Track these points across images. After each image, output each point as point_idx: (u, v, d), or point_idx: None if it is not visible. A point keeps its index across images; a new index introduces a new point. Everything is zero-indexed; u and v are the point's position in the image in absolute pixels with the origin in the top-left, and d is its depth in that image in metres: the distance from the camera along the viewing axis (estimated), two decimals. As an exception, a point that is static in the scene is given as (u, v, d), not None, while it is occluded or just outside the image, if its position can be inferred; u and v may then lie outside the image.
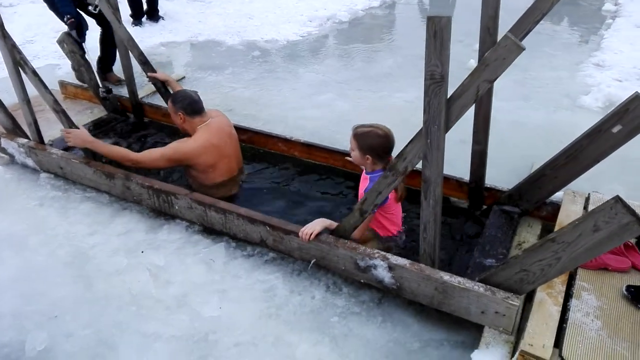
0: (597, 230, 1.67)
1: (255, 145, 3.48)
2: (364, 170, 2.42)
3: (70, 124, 3.03)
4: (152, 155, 2.83)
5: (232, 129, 3.09)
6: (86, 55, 3.84)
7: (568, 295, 2.08)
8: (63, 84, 4.34)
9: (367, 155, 2.29)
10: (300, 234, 2.30)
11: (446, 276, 2.06)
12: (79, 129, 3.02)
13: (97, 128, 3.78)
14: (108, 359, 2.02)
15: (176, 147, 2.83)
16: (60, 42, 3.73)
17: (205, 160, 2.85)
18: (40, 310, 2.25)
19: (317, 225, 2.30)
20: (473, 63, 4.67)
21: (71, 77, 4.56)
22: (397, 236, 2.46)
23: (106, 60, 4.66)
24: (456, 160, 2.72)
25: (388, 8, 7.67)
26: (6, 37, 2.97)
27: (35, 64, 5.19)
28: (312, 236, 2.28)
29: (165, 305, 2.27)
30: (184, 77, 4.89)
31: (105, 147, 2.94)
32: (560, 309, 2.00)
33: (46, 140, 3.33)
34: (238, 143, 3.13)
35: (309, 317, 2.19)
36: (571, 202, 2.58)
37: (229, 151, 2.98)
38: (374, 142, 2.28)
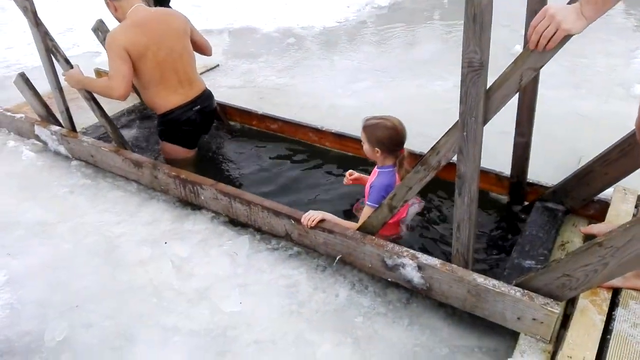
0: (650, 234, 1.50)
1: (286, 135, 3.39)
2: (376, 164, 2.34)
3: (101, 112, 3.03)
4: (111, 71, 2.76)
5: (176, 20, 2.94)
6: None
7: (614, 304, 1.90)
8: (99, 72, 4.37)
9: (376, 149, 2.23)
10: (302, 219, 2.28)
11: (480, 278, 1.92)
12: (72, 68, 3.00)
13: (129, 115, 3.80)
14: (126, 352, 1.99)
15: (107, 40, 2.76)
16: (95, 29, 3.72)
17: (132, 40, 2.72)
18: (63, 299, 2.25)
19: (319, 212, 2.29)
20: (519, 48, 4.42)
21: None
22: (395, 235, 2.38)
23: None
24: (497, 153, 2.55)
25: (431, -9, 7.40)
26: (39, 24, 2.98)
27: (74, 51, 5.40)
28: (314, 222, 2.25)
29: (186, 298, 2.22)
30: (217, 65, 4.86)
31: (93, 82, 2.93)
32: (604, 318, 1.83)
33: (79, 127, 3.35)
34: (183, 43, 2.95)
35: (332, 316, 2.09)
36: (621, 200, 2.38)
37: (157, 37, 2.81)
38: (382, 135, 2.20)
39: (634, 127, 2.04)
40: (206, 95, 3.16)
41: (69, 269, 2.42)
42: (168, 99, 2.97)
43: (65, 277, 2.37)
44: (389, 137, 2.20)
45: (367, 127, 2.24)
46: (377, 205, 2.19)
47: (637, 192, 2.40)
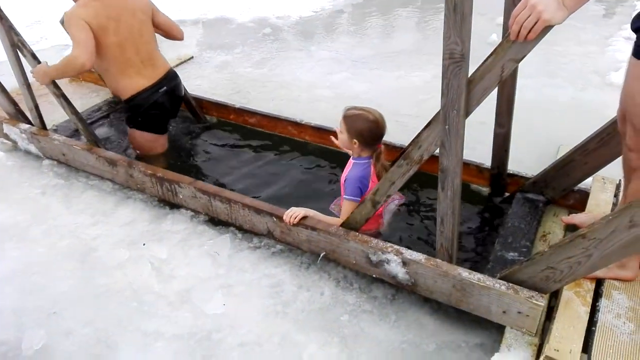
0: (633, 226, 1.51)
1: (265, 129, 3.33)
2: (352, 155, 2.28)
3: (71, 108, 2.92)
4: (72, 43, 2.66)
5: (139, 2, 2.88)
6: None
7: (597, 295, 1.91)
8: (69, 66, 4.23)
9: (355, 140, 2.15)
10: (284, 217, 2.25)
11: (465, 272, 1.91)
12: (40, 64, 2.88)
13: (101, 111, 3.68)
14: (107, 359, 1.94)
15: (66, 17, 2.70)
16: (63, 22, 3.59)
17: (91, 14, 2.66)
18: (40, 305, 2.17)
19: (301, 209, 2.25)
20: (495, 38, 4.42)
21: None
22: (376, 229, 2.34)
23: None
24: (476, 144, 2.54)
25: (406, -20, 7.35)
26: (3, 18, 2.85)
27: (42, 44, 5.22)
28: (296, 219, 2.22)
29: (167, 301, 2.17)
30: (191, 57, 4.75)
31: (58, 65, 2.78)
32: (588, 309, 1.84)
33: (49, 125, 3.23)
34: (141, 20, 2.87)
35: (318, 315, 2.07)
36: (601, 189, 2.39)
37: (115, 13, 2.74)
38: (363, 127, 2.13)
39: (612, 116, 2.05)
40: (171, 75, 3.07)
41: (44, 274, 2.34)
42: (132, 82, 2.88)
43: (40, 283, 2.29)
44: (369, 130, 2.14)
45: (348, 117, 2.16)
46: (355, 198, 2.16)
47: (615, 181, 2.42)
